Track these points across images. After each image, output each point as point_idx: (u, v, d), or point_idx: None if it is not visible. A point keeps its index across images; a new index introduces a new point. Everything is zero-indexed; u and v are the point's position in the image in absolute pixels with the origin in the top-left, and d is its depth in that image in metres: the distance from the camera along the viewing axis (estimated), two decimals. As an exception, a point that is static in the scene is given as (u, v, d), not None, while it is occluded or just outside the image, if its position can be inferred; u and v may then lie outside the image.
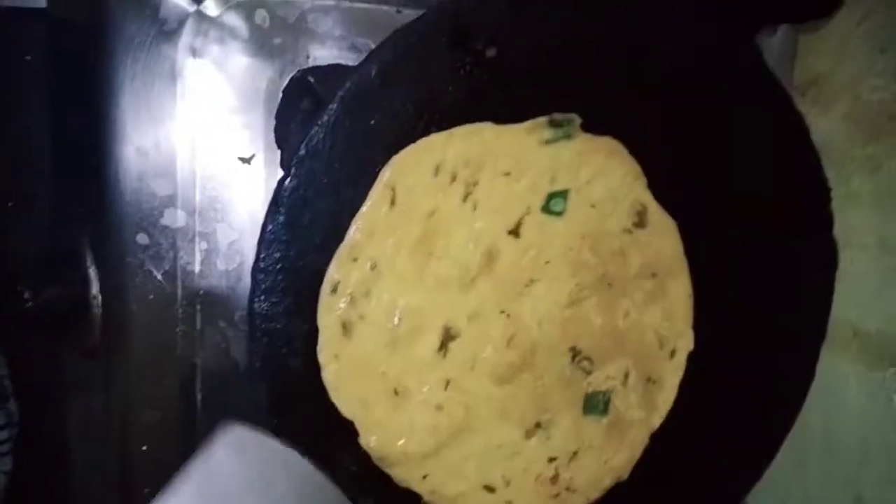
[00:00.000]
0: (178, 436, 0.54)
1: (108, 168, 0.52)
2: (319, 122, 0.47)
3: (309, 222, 0.48)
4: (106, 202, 0.52)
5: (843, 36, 0.70)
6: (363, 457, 0.51)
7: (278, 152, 0.54)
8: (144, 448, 0.53)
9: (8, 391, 0.66)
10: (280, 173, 0.51)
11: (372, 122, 0.48)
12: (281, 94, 0.53)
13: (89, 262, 0.53)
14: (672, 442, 0.57)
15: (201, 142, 0.53)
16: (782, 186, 0.57)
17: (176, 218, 0.53)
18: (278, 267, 0.48)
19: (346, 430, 0.50)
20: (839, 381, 0.69)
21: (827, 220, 0.58)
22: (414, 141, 0.49)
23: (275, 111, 0.53)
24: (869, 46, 0.68)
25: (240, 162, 0.53)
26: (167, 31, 0.51)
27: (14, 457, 0.66)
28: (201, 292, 0.53)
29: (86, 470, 0.61)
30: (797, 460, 0.66)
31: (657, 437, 0.57)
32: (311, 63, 0.53)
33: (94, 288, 0.53)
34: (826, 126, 0.58)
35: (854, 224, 0.60)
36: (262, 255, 0.47)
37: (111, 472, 0.56)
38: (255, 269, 0.48)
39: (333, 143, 0.48)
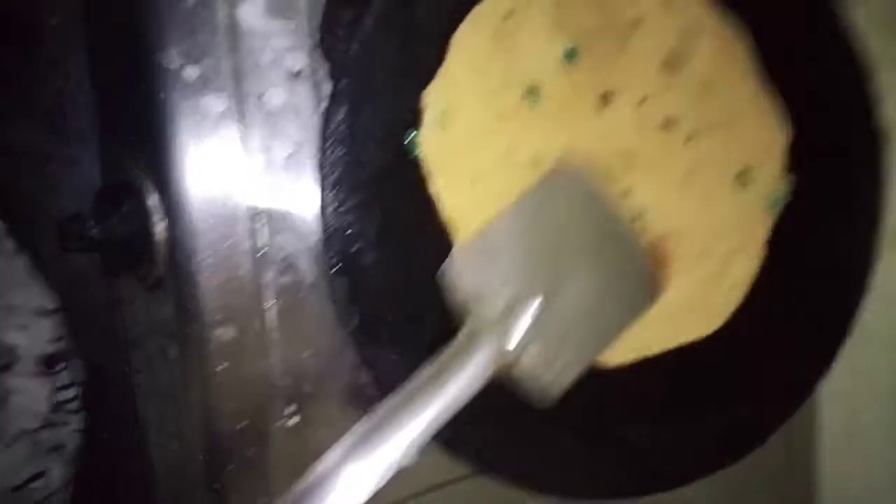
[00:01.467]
0: (253, 352, 0.55)
1: (157, 90, 0.52)
2: (368, 18, 0.48)
3: (369, 116, 0.49)
4: (158, 125, 0.52)
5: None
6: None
7: (325, 65, 0.54)
8: (220, 368, 0.54)
9: (71, 348, 0.66)
10: (329, 85, 0.51)
11: (420, 11, 0.49)
12: (324, 4, 0.53)
13: (150, 188, 0.54)
14: (743, 325, 0.57)
15: (246, 60, 0.53)
16: (824, 62, 0.57)
17: (233, 134, 0.53)
18: (345, 160, 0.48)
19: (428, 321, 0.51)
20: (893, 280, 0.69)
21: (871, 96, 0.58)
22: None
23: (318, 24, 0.54)
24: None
25: (287, 76, 0.54)
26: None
27: (85, 414, 0.66)
28: (265, 207, 0.54)
29: (159, 409, 0.62)
30: (863, 365, 0.66)
31: (729, 322, 0.57)
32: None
33: (156, 215, 0.54)
34: (858, 20, 0.58)
35: (892, 120, 0.60)
36: (327, 151, 0.48)
37: (191, 402, 0.57)
38: (321, 162, 0.48)
39: (385, 37, 0.49)
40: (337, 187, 0.48)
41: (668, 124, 0.55)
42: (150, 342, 0.61)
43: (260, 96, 0.54)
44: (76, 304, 0.66)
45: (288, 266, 0.54)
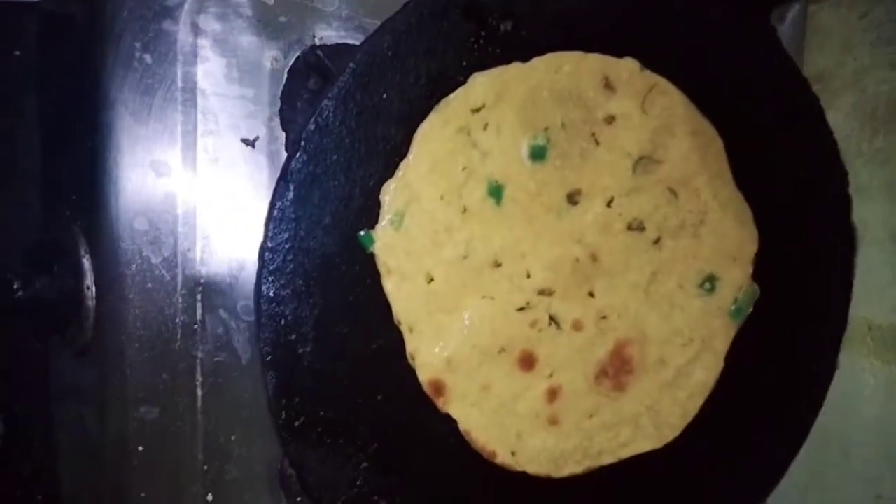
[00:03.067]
0: (176, 434, 0.51)
1: (104, 148, 0.49)
2: (330, 95, 0.46)
3: (319, 200, 0.46)
4: (101, 186, 0.49)
5: (847, 30, 0.70)
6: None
7: (283, 135, 0.52)
8: (141, 448, 0.50)
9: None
10: (285, 156, 0.49)
11: (384, 95, 0.47)
12: (287, 74, 0.51)
13: (83, 250, 0.51)
14: (696, 436, 0.55)
15: (202, 123, 0.50)
16: (799, 169, 0.56)
17: (176, 202, 0.50)
18: (287, 247, 0.46)
19: (362, 420, 0.48)
20: (855, 379, 0.68)
21: (845, 204, 0.58)
22: (425, 117, 0.48)
23: (279, 92, 0.52)
24: (873, 39, 0.69)
25: (243, 144, 0.51)
26: (169, 6, 0.49)
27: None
28: (202, 281, 0.51)
29: (76, 475, 0.58)
30: (816, 462, 0.65)
31: (683, 433, 0.55)
32: (317, 43, 0.51)
33: (88, 278, 0.50)
34: (833, 120, 0.58)
35: (864, 218, 0.60)
36: (270, 234, 0.45)
37: (106, 479, 0.53)
38: (263, 248, 0.45)
39: (344, 117, 0.46)
40: (277, 273, 0.45)
41: (636, 226, 0.53)
42: (73, 408, 0.57)
43: (212, 162, 0.51)
44: (2, 358, 0.62)
45: (223, 344, 0.51)
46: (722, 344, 0.55)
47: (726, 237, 0.55)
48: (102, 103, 0.49)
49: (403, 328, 0.49)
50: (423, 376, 0.49)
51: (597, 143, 0.51)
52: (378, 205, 0.48)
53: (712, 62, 0.53)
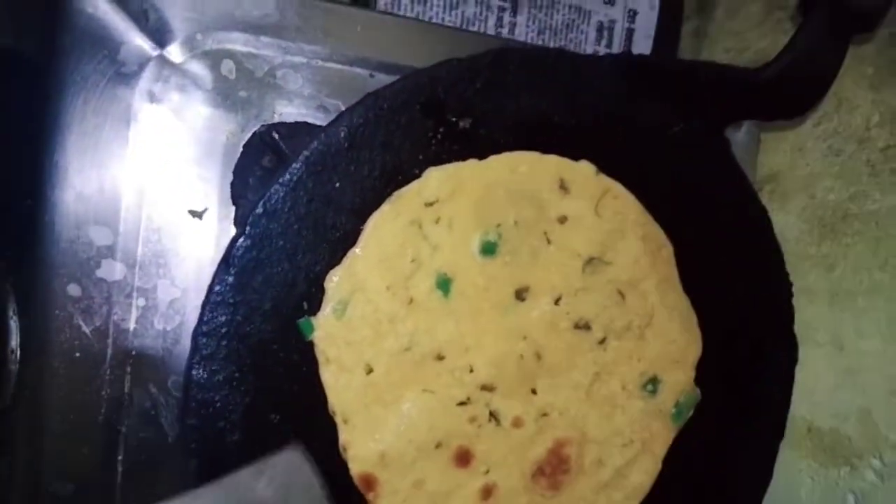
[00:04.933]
0: (92, 512, 0.49)
1: (43, 210, 0.48)
2: (280, 181, 0.45)
3: (260, 285, 0.45)
4: (36, 247, 0.48)
5: (800, 137, 0.73)
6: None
7: (232, 209, 0.51)
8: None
9: None
10: (233, 231, 0.48)
11: (336, 184, 0.46)
12: (242, 148, 0.50)
13: (11, 311, 0.48)
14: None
15: (150, 191, 0.49)
16: (745, 278, 0.57)
17: (114, 270, 0.49)
18: (223, 332, 0.44)
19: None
20: (793, 479, 0.69)
21: (788, 315, 0.59)
22: (377, 207, 0.47)
23: (233, 166, 0.51)
24: (824, 148, 0.71)
25: (190, 216, 0.50)
26: (125, 73, 0.48)
27: None
28: (133, 353, 0.49)
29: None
30: None
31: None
32: (276, 119, 0.51)
33: (14, 340, 0.48)
34: (783, 222, 0.60)
35: (809, 321, 0.61)
36: (205, 318, 0.44)
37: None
38: (197, 332, 0.44)
39: (294, 203, 0.45)
40: (209, 359, 0.44)
41: (581, 326, 0.53)
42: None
43: (155, 231, 0.50)
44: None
45: (149, 420, 0.49)
46: (661, 447, 0.55)
47: (671, 341, 0.55)
48: (46, 160, 0.48)
49: (338, 419, 0.48)
50: (355, 470, 0.48)
51: (548, 241, 0.51)
52: (321, 292, 0.47)
53: (666, 171, 0.54)
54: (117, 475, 0.49)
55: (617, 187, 0.53)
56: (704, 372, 0.56)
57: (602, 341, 0.53)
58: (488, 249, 0.50)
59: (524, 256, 0.51)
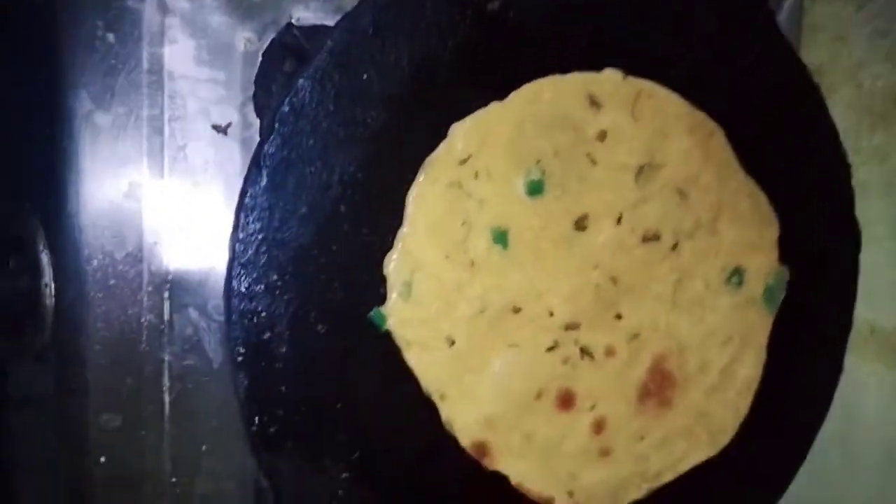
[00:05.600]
0: (141, 444, 0.47)
1: (64, 139, 0.46)
2: (305, 75, 0.43)
3: (293, 187, 0.43)
4: (61, 178, 0.46)
5: (842, 24, 0.69)
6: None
7: (256, 121, 0.49)
8: (103, 459, 0.46)
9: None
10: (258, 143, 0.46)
11: (364, 76, 0.44)
12: (261, 56, 0.48)
13: (41, 245, 0.47)
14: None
15: (170, 108, 0.47)
16: (801, 161, 0.54)
17: (141, 193, 0.47)
18: (260, 238, 0.43)
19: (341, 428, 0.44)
20: (858, 384, 0.67)
21: (848, 197, 0.55)
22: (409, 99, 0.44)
23: (252, 76, 0.49)
24: (868, 32, 0.67)
25: (213, 131, 0.48)
26: (134, -18, 0.46)
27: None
28: (170, 277, 0.47)
29: (32, 488, 0.53)
30: (818, 470, 0.62)
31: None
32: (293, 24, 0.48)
33: (47, 275, 0.47)
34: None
35: (865, 216, 0.57)
36: (240, 224, 0.42)
37: (65, 492, 0.49)
38: (234, 239, 0.42)
39: (321, 98, 0.43)
40: (248, 266, 0.42)
41: (650, 237, 0.50)
42: (29, 414, 0.53)
43: (180, 149, 0.48)
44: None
45: (192, 346, 0.47)
46: (762, 335, 0.53)
47: (745, 227, 0.52)
48: (62, 87, 0.46)
49: (435, 398, 0.47)
50: (465, 441, 0.48)
51: (593, 162, 0.49)
52: (358, 193, 0.44)
53: (707, 54, 0.50)
54: (164, 405, 0.47)
55: (648, 86, 0.49)
56: (787, 251, 0.52)
57: (675, 247, 0.51)
58: (535, 189, 0.47)
59: (573, 185, 0.48)
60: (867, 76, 0.67)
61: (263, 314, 0.43)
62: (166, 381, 0.47)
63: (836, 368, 0.55)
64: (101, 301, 0.46)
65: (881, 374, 0.67)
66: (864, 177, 0.65)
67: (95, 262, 0.46)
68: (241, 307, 0.43)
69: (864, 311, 0.63)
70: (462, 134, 0.46)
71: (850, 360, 0.57)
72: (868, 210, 0.61)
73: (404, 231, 0.45)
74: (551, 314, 0.48)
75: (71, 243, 0.46)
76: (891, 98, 0.66)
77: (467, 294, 0.47)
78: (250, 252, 0.42)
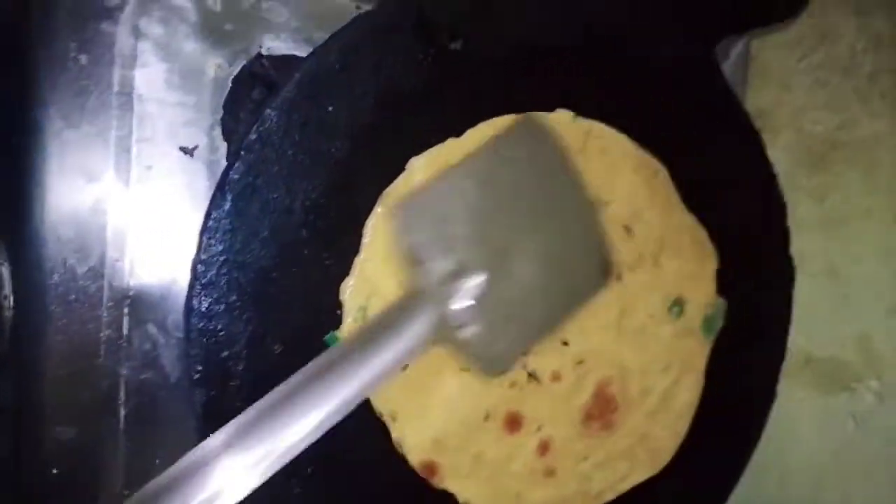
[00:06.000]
0: (96, 457, 0.48)
1: (30, 153, 0.47)
2: (273, 105, 0.44)
3: (257, 212, 0.45)
4: (25, 190, 0.47)
5: (786, 73, 0.73)
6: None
7: (223, 144, 0.50)
8: (56, 471, 0.47)
9: None
10: (224, 166, 0.47)
11: (329, 108, 0.46)
12: (230, 83, 0.49)
13: (2, 257, 0.48)
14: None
15: (138, 129, 0.48)
16: (739, 202, 0.57)
17: (105, 209, 0.48)
18: (221, 259, 0.44)
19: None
20: (792, 409, 0.70)
21: (783, 234, 0.59)
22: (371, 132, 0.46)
23: (221, 101, 0.50)
24: (810, 81, 0.71)
25: (180, 153, 0.49)
26: (109, 7, 0.47)
27: None
28: (130, 293, 0.48)
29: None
30: (752, 490, 0.65)
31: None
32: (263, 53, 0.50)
33: (6, 287, 0.47)
34: (774, 157, 0.60)
35: (802, 252, 0.61)
36: (203, 246, 0.43)
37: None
38: (196, 260, 0.43)
39: (288, 128, 0.45)
40: (209, 287, 0.43)
41: None
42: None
43: (147, 168, 0.49)
44: None
45: (150, 361, 0.48)
46: (700, 361, 0.56)
47: (686, 260, 0.55)
48: (31, 102, 0.47)
49: (386, 419, 0.48)
50: (414, 460, 0.49)
51: None
52: (320, 219, 0.46)
53: (650, 99, 0.53)
54: (120, 419, 0.48)
55: (598, 126, 0.52)
56: (725, 283, 0.56)
57: (619, 278, 0.53)
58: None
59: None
60: (808, 121, 0.71)
61: (222, 333, 0.44)
62: (122, 396, 0.48)
63: (769, 394, 0.58)
64: (61, 315, 0.47)
65: (814, 400, 0.70)
66: (804, 215, 0.69)
67: (57, 277, 0.47)
68: (201, 326, 0.44)
69: (801, 341, 0.67)
70: (419, 167, 0.48)
71: (786, 387, 0.61)
72: (807, 246, 0.65)
73: (362, 258, 0.47)
74: (500, 340, 0.50)
75: (33, 257, 0.47)
76: (829, 142, 0.70)
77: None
78: (211, 273, 0.44)
